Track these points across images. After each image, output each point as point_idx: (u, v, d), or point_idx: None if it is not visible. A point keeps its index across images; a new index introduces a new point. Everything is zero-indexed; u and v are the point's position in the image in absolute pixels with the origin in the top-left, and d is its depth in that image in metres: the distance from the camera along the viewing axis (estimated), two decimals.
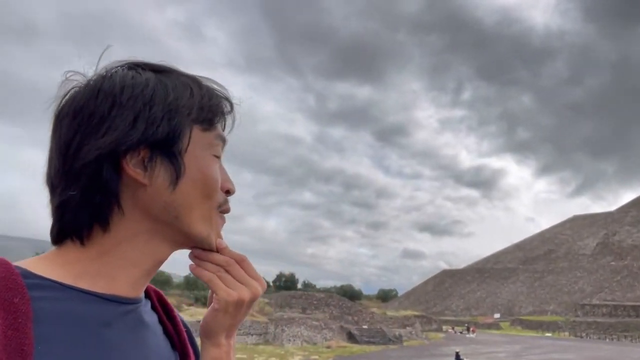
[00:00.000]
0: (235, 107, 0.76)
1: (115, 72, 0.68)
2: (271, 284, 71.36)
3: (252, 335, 33.13)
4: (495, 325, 69.61)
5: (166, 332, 0.77)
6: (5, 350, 0.53)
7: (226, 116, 0.75)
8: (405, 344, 37.03)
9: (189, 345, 0.79)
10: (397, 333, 39.16)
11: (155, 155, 0.65)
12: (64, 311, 0.60)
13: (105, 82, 0.66)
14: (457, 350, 26.43)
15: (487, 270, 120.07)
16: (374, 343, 35.42)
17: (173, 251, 0.72)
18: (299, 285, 73.15)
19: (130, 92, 0.65)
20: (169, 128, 0.66)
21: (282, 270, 74.23)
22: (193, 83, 0.71)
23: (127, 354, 0.65)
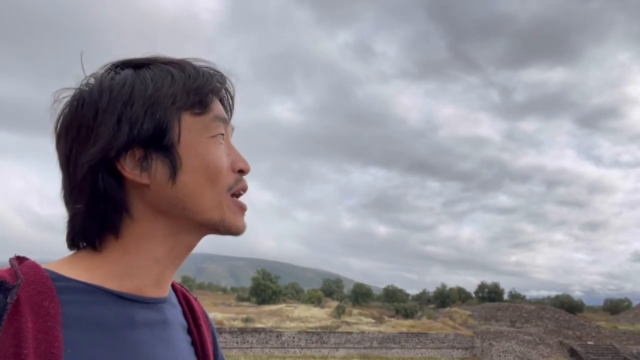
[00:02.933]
0: (233, 81, 0.73)
1: (95, 78, 0.67)
2: (473, 295, 67.63)
3: (457, 349, 31.71)
4: None
5: (192, 335, 0.77)
6: (36, 354, 0.54)
7: (222, 93, 0.72)
8: None
9: (210, 352, 0.78)
10: (634, 351, 32.84)
11: (149, 153, 0.65)
12: (91, 314, 0.61)
13: (86, 91, 0.66)
14: None
15: None
16: None
17: (198, 239, 0.71)
18: (505, 296, 67.42)
19: (109, 95, 0.64)
20: (153, 123, 0.64)
21: (484, 280, 69.52)
22: (175, 68, 0.68)
23: (154, 354, 0.65)
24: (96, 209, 0.64)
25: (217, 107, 0.70)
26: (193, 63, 0.70)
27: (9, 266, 0.61)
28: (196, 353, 0.76)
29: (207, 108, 0.68)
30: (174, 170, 0.65)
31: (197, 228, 0.69)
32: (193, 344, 0.76)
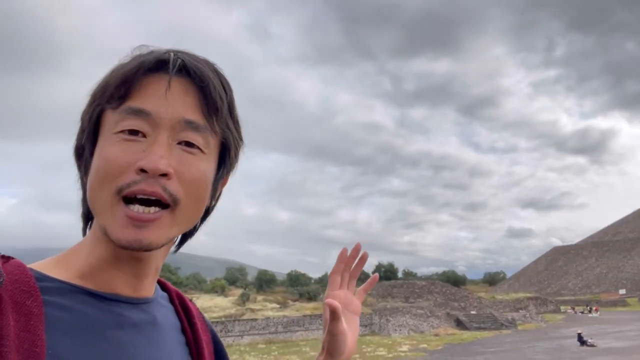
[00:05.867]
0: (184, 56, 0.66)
1: None
2: (371, 274, 71.02)
3: None
4: (621, 303, 63.22)
5: (185, 334, 0.75)
6: (18, 352, 0.54)
7: (156, 74, 0.64)
8: (520, 327, 34.97)
9: (205, 352, 0.76)
10: (509, 317, 37.15)
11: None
12: (76, 315, 0.60)
13: None
14: (580, 332, 24.41)
15: (606, 244, 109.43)
16: (485, 329, 33.89)
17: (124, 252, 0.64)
18: (399, 275, 72.15)
19: None
20: (81, 128, 0.68)
21: (381, 261, 73.74)
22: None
23: (141, 354, 0.64)
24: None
25: (141, 98, 0.63)
26: (141, 54, 0.66)
27: None
28: (190, 353, 0.74)
29: (124, 100, 0.63)
30: (80, 171, 0.68)
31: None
32: (187, 343, 0.75)
